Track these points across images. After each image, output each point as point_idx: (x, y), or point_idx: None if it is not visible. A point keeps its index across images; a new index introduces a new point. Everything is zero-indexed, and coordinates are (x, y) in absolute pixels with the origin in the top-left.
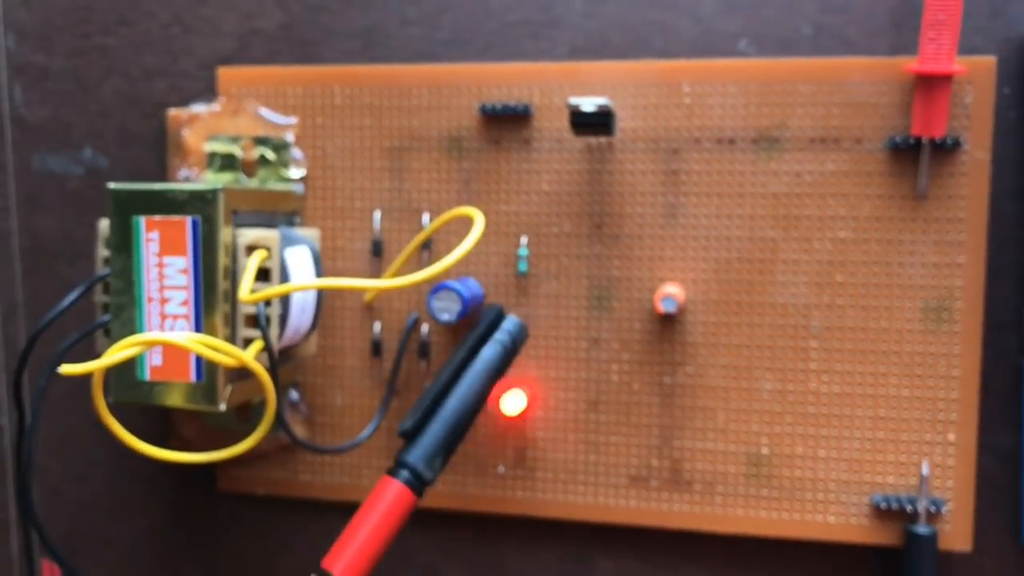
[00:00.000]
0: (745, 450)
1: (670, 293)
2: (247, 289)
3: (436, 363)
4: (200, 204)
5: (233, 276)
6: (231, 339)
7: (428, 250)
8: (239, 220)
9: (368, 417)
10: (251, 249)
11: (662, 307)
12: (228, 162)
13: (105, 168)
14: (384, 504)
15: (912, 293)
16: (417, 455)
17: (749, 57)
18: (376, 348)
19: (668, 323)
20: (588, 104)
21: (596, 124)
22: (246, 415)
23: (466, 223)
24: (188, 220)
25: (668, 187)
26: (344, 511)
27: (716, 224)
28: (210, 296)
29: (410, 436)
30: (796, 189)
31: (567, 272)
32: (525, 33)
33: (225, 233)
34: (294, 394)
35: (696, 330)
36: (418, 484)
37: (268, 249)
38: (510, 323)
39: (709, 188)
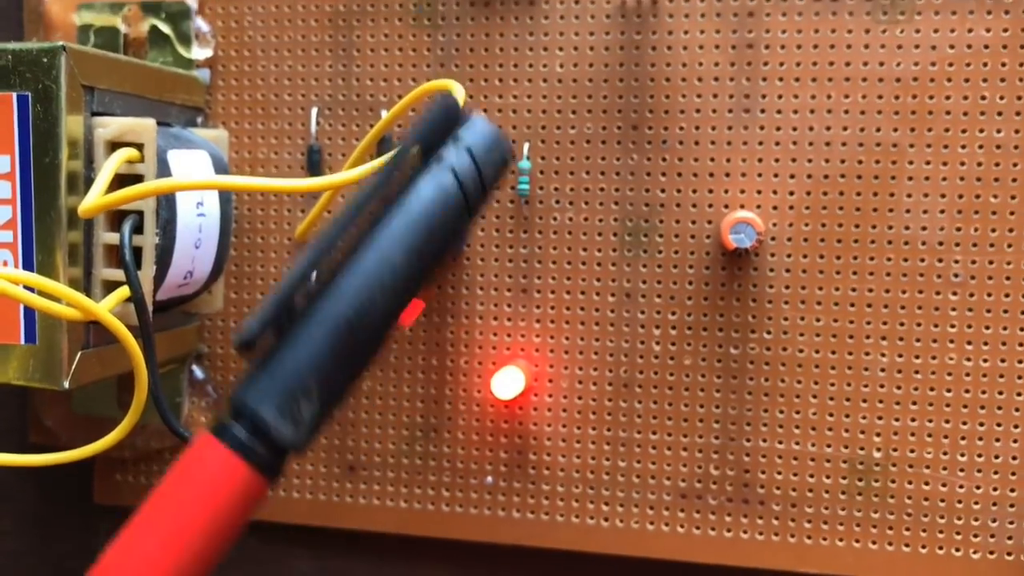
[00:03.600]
0: (847, 454)
1: (745, 219)
2: (93, 198)
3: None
4: (32, 72)
5: (87, 187)
6: (83, 282)
7: None
8: (111, 105)
9: None
10: (116, 147)
11: (733, 240)
12: (107, 40)
13: None
14: (192, 490)
15: None
16: (263, 393)
17: None
18: None
19: (737, 268)
20: None
21: None
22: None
23: None
24: (13, 97)
25: (740, 67)
26: (269, 537)
27: (810, 122)
28: (47, 215)
29: (256, 352)
30: (931, 69)
31: (588, 195)
32: None
33: (72, 120)
34: (197, 370)
35: (778, 279)
36: (264, 451)
37: (139, 147)
38: (475, 132)
39: (800, 69)
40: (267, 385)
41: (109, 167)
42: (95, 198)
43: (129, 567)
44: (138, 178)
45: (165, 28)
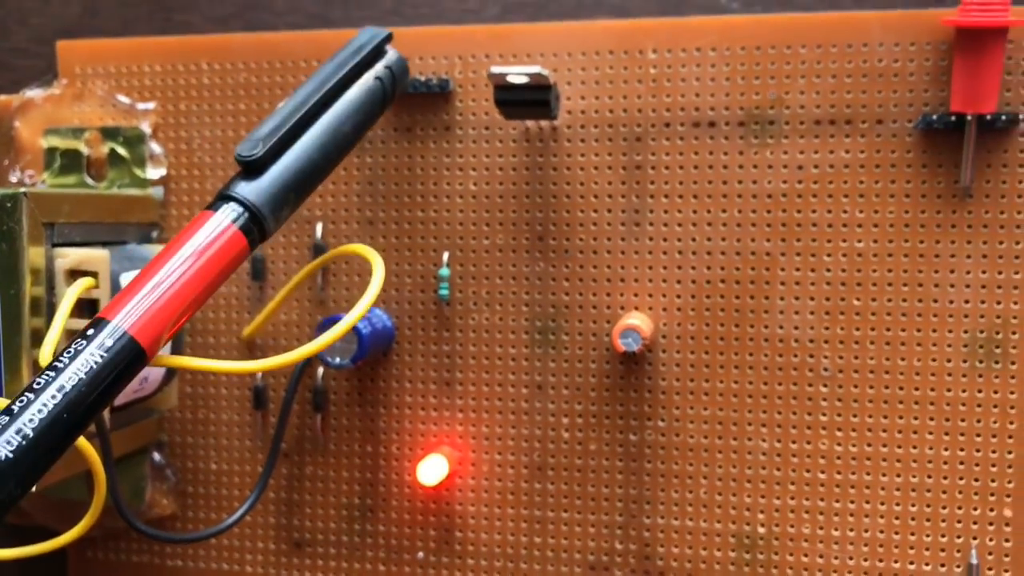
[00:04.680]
0: (735, 529)
1: (632, 326)
2: (48, 352)
3: (335, 415)
4: None
5: (49, 311)
6: None
7: (323, 273)
8: (70, 234)
9: (251, 486)
10: (75, 275)
11: (622, 344)
12: (71, 161)
13: None
14: (203, 248)
15: (954, 323)
16: (262, 192)
17: (734, 13)
18: (259, 398)
19: (632, 365)
20: (517, 74)
21: (530, 102)
22: None
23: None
24: None
25: (630, 185)
26: None
27: (693, 233)
28: (13, 340)
29: (257, 167)
30: (798, 187)
31: (501, 298)
32: None
33: (33, 254)
34: (158, 457)
35: (669, 373)
36: (255, 230)
37: (95, 275)
38: (393, 57)
39: (683, 186)
40: (263, 189)
41: (70, 298)
42: (53, 346)
43: (137, 290)
44: (94, 303)
45: (122, 151)
